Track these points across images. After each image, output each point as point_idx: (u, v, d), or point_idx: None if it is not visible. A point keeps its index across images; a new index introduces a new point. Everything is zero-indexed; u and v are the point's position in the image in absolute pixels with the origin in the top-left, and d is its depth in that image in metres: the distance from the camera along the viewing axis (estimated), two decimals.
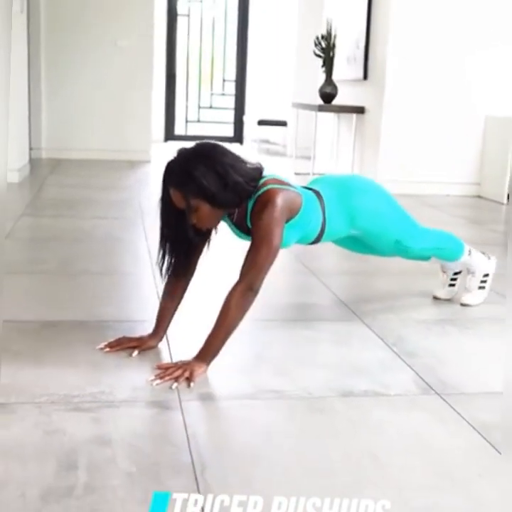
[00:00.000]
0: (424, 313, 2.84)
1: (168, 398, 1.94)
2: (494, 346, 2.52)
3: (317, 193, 2.45)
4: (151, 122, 7.82)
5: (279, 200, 2.18)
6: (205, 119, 10.67)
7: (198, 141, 2.21)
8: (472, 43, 5.99)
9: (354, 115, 6.56)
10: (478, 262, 2.89)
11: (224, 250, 2.70)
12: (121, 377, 2.07)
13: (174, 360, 2.17)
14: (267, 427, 1.83)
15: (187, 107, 10.62)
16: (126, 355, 2.22)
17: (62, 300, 2.81)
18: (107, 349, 2.26)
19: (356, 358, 2.34)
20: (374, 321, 2.70)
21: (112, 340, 2.30)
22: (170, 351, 2.28)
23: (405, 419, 1.92)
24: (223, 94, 10.73)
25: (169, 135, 10.44)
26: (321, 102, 6.76)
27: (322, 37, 6.70)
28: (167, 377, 2.04)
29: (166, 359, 2.22)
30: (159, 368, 2.11)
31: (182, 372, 2.05)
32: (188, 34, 10.47)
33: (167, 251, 2.24)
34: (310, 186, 2.54)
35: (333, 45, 6.63)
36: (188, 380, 2.03)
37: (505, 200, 5.85)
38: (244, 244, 2.26)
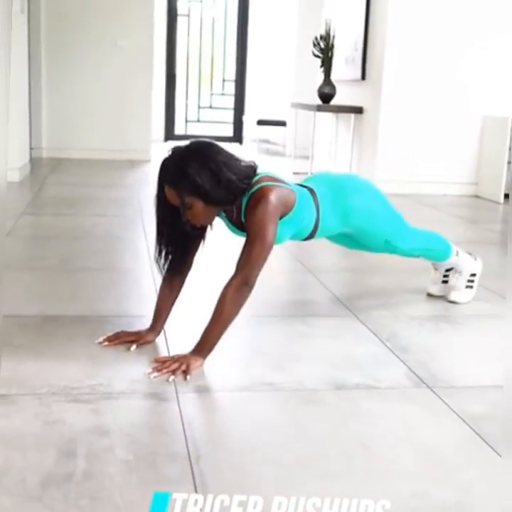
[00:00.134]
0: (418, 309, 2.89)
1: (165, 390, 1.99)
2: (485, 342, 2.57)
3: (311, 191, 2.50)
4: (151, 122, 7.87)
5: (273, 197, 2.23)
6: (205, 118, 10.72)
7: (192, 140, 2.25)
8: (469, 43, 6.04)
9: (352, 115, 6.61)
10: (465, 262, 2.95)
11: (220, 245, 2.74)
12: (120, 370, 2.12)
13: (171, 354, 2.22)
14: (260, 417, 1.89)
15: (187, 106, 10.67)
16: (124, 349, 2.27)
17: (63, 296, 2.86)
18: (106, 343, 2.31)
19: (350, 352, 2.39)
20: (368, 317, 2.74)
21: (110, 334, 2.35)
22: (167, 345, 2.33)
23: (396, 410, 1.97)
24: (223, 94, 10.78)
25: (169, 135, 10.49)
26: (319, 102, 6.81)
27: (321, 37, 6.75)
28: (164, 370, 2.09)
29: (163, 353, 2.28)
30: (157, 361, 2.16)
31: (179, 366, 2.10)
32: (188, 34, 10.52)
33: (163, 247, 2.30)
34: (304, 184, 2.59)
35: (332, 46, 6.68)
36: (185, 373, 2.08)
37: (502, 200, 5.90)
38: (240, 240, 2.32)
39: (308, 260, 3.61)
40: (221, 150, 2.23)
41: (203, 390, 2.02)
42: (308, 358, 2.33)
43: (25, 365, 2.12)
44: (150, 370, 2.10)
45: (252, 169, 2.28)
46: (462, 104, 6.13)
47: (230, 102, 10.76)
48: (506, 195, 5.95)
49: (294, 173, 7.11)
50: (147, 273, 3.18)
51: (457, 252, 2.95)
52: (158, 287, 2.42)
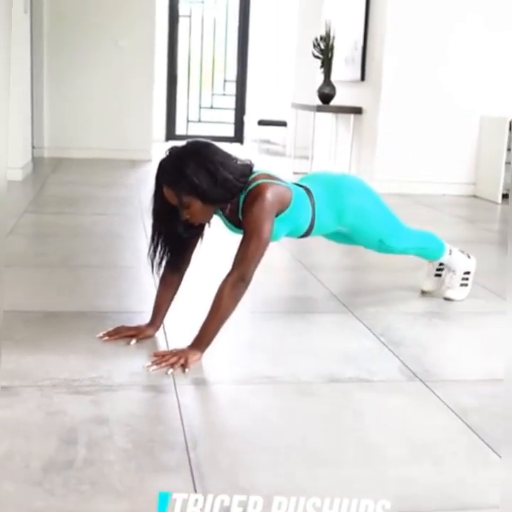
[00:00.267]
0: (412, 306, 2.95)
1: (164, 383, 2.05)
2: (478, 337, 2.63)
3: (307, 190, 2.56)
4: (152, 122, 7.92)
5: (269, 194, 2.28)
6: (206, 119, 10.78)
7: (189, 140, 2.30)
8: (467, 44, 6.09)
9: (352, 115, 6.66)
10: (459, 260, 3.00)
11: (218, 242, 2.79)
12: (119, 363, 2.17)
13: (170, 348, 2.28)
14: (256, 408, 1.94)
15: (188, 106, 10.72)
16: (124, 344, 2.33)
17: (64, 292, 2.92)
18: (106, 338, 2.36)
19: (345, 347, 2.45)
20: (364, 314, 2.80)
21: (110, 329, 2.40)
22: (166, 340, 2.39)
23: (388, 402, 2.02)
24: (224, 95, 10.84)
25: (170, 135, 10.54)
26: (319, 102, 6.86)
27: (321, 38, 6.80)
28: (163, 364, 2.14)
29: (162, 347, 2.33)
30: (156, 355, 2.21)
31: (177, 359, 2.15)
32: (190, 35, 10.58)
33: (160, 246, 2.34)
34: (301, 183, 2.64)
35: (332, 47, 6.73)
36: (183, 366, 2.13)
37: (500, 200, 5.95)
38: (237, 237, 2.37)
39: (306, 259, 3.66)
40: (218, 150, 2.28)
41: (200, 383, 2.08)
42: (304, 352, 2.38)
43: (27, 359, 2.17)
44: (149, 363, 2.15)
45: (248, 168, 2.33)
46: (461, 104, 6.18)
47: (231, 102, 10.82)
48: (504, 195, 6.00)
49: (294, 173, 7.16)
50: (147, 270, 3.20)
51: (450, 250, 3.00)
52: (157, 284, 2.47)
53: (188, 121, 10.73)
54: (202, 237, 2.41)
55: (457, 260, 3.01)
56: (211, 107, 10.82)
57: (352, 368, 2.25)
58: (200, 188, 2.19)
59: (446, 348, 2.52)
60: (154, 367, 2.13)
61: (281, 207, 2.38)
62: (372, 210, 2.72)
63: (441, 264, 3.06)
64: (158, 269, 2.39)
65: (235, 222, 2.42)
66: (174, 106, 10.61)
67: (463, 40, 6.08)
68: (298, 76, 9.14)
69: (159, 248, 2.35)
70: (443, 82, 6.13)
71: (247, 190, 2.30)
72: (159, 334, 2.42)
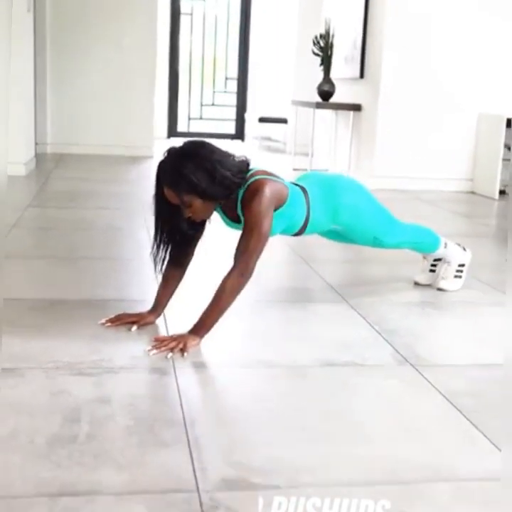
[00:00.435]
0: (406, 296, 3.02)
1: (164, 366, 2.13)
2: (470, 326, 2.71)
3: (303, 189, 2.63)
4: (153, 119, 8.00)
5: (267, 190, 2.36)
6: (208, 116, 10.85)
7: (186, 140, 2.37)
8: (465, 42, 6.17)
9: (351, 112, 6.73)
10: (454, 253, 3.08)
11: (218, 236, 2.86)
12: (121, 347, 2.25)
13: (170, 334, 2.35)
14: (252, 389, 2.02)
15: (190, 104, 10.80)
16: (125, 330, 2.41)
17: (67, 282, 3.00)
18: (108, 324, 2.44)
19: (340, 335, 2.52)
20: (359, 304, 2.87)
21: (112, 316, 2.48)
22: (166, 327, 2.47)
23: (379, 385, 2.10)
24: (225, 92, 10.91)
25: (172, 132, 10.62)
26: (319, 99, 6.93)
27: (321, 36, 6.88)
28: (163, 348, 2.22)
29: (162, 333, 2.40)
30: (156, 340, 2.29)
31: (177, 344, 2.23)
32: (191, 32, 10.65)
33: (163, 243, 2.42)
34: (297, 182, 2.72)
35: (331, 45, 6.81)
36: (182, 350, 2.21)
37: (497, 196, 6.02)
38: (236, 231, 2.44)
39: (305, 252, 3.74)
40: (214, 148, 2.35)
41: (199, 366, 2.15)
42: (300, 339, 2.46)
43: (32, 343, 2.25)
44: (150, 347, 2.23)
45: (245, 164, 2.41)
46: (459, 102, 6.26)
47: (232, 99, 10.89)
48: (501, 192, 6.08)
49: (294, 170, 7.23)
50: (148, 262, 3.27)
51: (446, 244, 3.07)
52: (158, 275, 2.53)
53: (189, 118, 10.81)
54: (203, 232, 2.48)
55: (452, 252, 3.08)
56: (212, 104, 10.89)
57: (346, 353, 2.33)
58: (200, 187, 2.26)
59: (438, 336, 2.60)
60: (154, 351, 2.21)
61: (279, 203, 2.45)
62: (366, 208, 2.79)
63: (435, 259, 3.13)
64: (162, 267, 2.46)
65: (233, 217, 2.50)
66: (176, 103, 10.69)
67: (461, 38, 6.16)
68: (298, 73, 9.21)
69: (162, 246, 2.43)
70: (441, 80, 6.20)
71: (246, 186, 2.38)
72: (159, 321, 2.50)
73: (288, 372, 2.15)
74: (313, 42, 6.92)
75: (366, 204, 2.81)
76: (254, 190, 2.36)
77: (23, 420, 1.76)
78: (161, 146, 8.41)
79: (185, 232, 2.39)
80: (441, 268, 3.11)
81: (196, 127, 10.71)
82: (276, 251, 3.49)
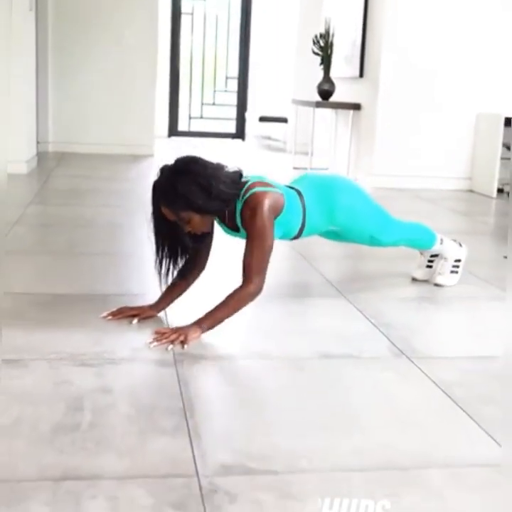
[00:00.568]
0: (403, 291, 3.07)
1: (164, 357, 2.17)
2: (465, 320, 2.75)
3: (298, 192, 2.67)
4: (154, 118, 8.04)
5: (266, 203, 2.41)
6: (208, 115, 10.89)
7: (177, 157, 2.40)
8: (464, 42, 6.21)
9: (351, 111, 6.77)
10: (450, 248, 3.12)
11: (222, 243, 2.90)
12: (122, 339, 2.30)
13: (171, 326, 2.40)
14: (250, 380, 2.07)
15: (190, 103, 10.84)
16: (127, 323, 2.45)
17: (69, 277, 3.04)
18: (110, 317, 2.49)
19: (338, 328, 2.57)
20: (357, 298, 2.91)
21: (114, 309, 2.53)
22: (167, 321, 2.51)
23: (375, 376, 2.14)
24: (226, 91, 10.95)
25: (173, 131, 10.67)
26: (319, 98, 6.98)
27: (321, 36, 6.92)
28: (164, 340, 2.26)
29: (163, 326, 2.44)
30: (157, 332, 2.33)
31: (177, 336, 2.27)
32: (192, 32, 10.70)
33: (166, 258, 2.46)
34: (292, 185, 2.76)
35: (331, 44, 6.85)
36: (183, 343, 2.26)
37: (495, 194, 6.07)
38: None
39: (304, 249, 3.77)
40: (206, 163, 2.38)
41: (199, 358, 2.19)
42: (298, 332, 2.51)
43: (35, 336, 2.30)
44: (150, 340, 2.27)
45: (237, 175, 2.45)
46: (457, 101, 6.30)
47: (233, 98, 10.93)
48: (499, 190, 6.12)
49: (294, 168, 7.28)
50: (148, 258, 3.33)
51: (442, 240, 3.12)
52: (163, 287, 2.56)
53: (190, 117, 10.85)
54: (210, 242, 2.55)
55: (449, 248, 3.12)
56: (213, 104, 10.93)
57: (344, 346, 2.37)
58: (196, 203, 2.31)
59: (434, 330, 2.64)
60: (155, 343, 2.25)
61: (276, 213, 2.49)
62: (362, 208, 2.83)
63: (432, 255, 3.18)
64: (166, 280, 2.50)
65: (232, 227, 2.55)
66: (176, 102, 10.73)
67: (460, 37, 6.20)
68: (298, 73, 9.26)
69: (165, 261, 2.47)
70: (440, 79, 6.24)
71: (244, 199, 2.42)
72: (160, 315, 2.54)
73: (286, 364, 2.20)
74: (313, 41, 6.96)
75: (362, 204, 2.84)
76: (254, 204, 2.40)
77: (26, 409, 1.80)
78: (161, 144, 8.50)
79: (188, 247, 2.45)
80: (438, 264, 3.16)
81: (197, 126, 10.76)
82: (276, 248, 3.46)
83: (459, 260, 3.15)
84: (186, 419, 1.78)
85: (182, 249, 2.45)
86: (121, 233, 4.04)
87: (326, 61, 6.88)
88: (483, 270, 3.45)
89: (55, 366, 2.06)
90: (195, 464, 1.58)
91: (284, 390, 2.02)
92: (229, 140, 10.59)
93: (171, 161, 2.38)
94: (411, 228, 3.08)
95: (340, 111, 7.16)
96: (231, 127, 10.93)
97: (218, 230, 2.60)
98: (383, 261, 3.55)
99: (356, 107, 6.67)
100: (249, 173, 2.54)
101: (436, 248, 3.12)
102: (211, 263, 2.59)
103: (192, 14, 10.63)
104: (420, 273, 3.20)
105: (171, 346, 2.24)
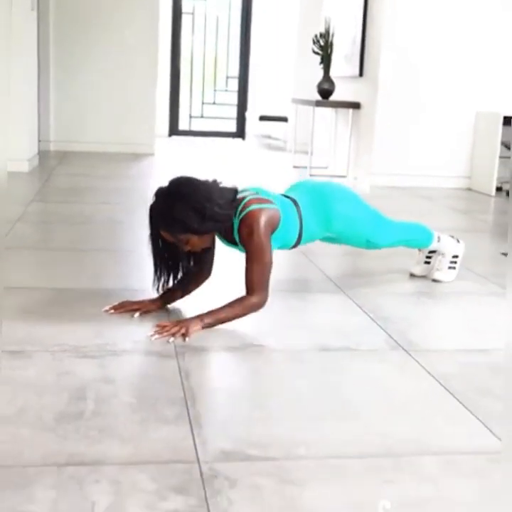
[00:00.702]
0: (402, 287, 3.10)
1: (165, 349, 2.21)
2: (462, 314, 2.79)
3: (294, 202, 2.70)
4: (155, 117, 8.07)
5: (262, 220, 2.45)
6: (209, 114, 10.93)
7: (172, 179, 2.45)
8: (463, 41, 6.25)
9: (350, 110, 6.81)
10: (448, 245, 3.16)
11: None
12: (124, 332, 2.34)
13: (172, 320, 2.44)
14: (250, 371, 2.11)
15: (191, 102, 10.88)
16: (128, 316, 2.49)
17: (70, 272, 3.08)
18: (112, 311, 2.53)
19: (336, 322, 2.60)
20: (356, 293, 2.95)
21: (116, 303, 2.56)
22: (168, 314, 2.55)
23: (372, 368, 2.18)
24: (226, 91, 10.99)
25: (173, 130, 10.70)
26: (319, 97, 7.01)
27: (321, 35, 6.95)
28: (165, 333, 2.30)
29: (164, 320, 2.48)
30: (158, 325, 2.37)
31: (179, 329, 2.31)
32: (193, 32, 10.74)
33: (164, 275, 2.52)
34: (288, 194, 2.80)
35: (331, 43, 6.88)
36: (184, 335, 2.30)
37: (493, 193, 6.11)
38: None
39: (304, 246, 3.80)
40: (199, 185, 2.42)
41: (200, 349, 2.23)
42: (298, 326, 2.54)
43: (38, 329, 2.33)
44: (152, 332, 2.31)
45: (232, 192, 2.49)
46: (456, 100, 6.34)
47: (233, 98, 10.97)
48: (498, 188, 6.16)
49: (294, 167, 7.32)
50: (148, 255, 3.37)
51: (439, 237, 3.15)
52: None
53: (190, 116, 10.89)
54: (212, 256, 2.63)
55: (446, 245, 3.16)
56: (213, 103, 10.98)
57: (341, 339, 2.41)
58: (192, 226, 2.37)
59: (431, 324, 2.68)
60: (157, 336, 2.29)
61: (272, 228, 2.53)
62: (358, 215, 2.85)
63: (430, 252, 3.21)
64: (165, 288, 2.56)
65: (231, 241, 2.59)
66: (177, 102, 10.77)
67: (459, 37, 6.24)
68: (298, 72, 9.29)
69: (163, 277, 2.53)
70: (439, 78, 6.28)
71: (240, 217, 2.46)
72: (162, 310, 2.57)
73: (285, 356, 2.23)
74: (313, 41, 7.00)
75: (357, 210, 2.86)
76: (250, 223, 2.44)
77: (31, 398, 1.84)
78: (162, 144, 8.53)
79: (189, 267, 2.52)
80: (435, 260, 3.19)
81: (197, 126, 10.80)
82: None
83: (456, 256, 3.19)
84: (187, 409, 1.82)
85: (182, 267, 2.53)
86: (122, 230, 4.07)
87: (326, 60, 6.92)
88: (481, 267, 3.49)
89: (58, 358, 2.10)
90: (196, 450, 1.62)
91: (283, 380, 2.05)
92: (229, 139, 10.63)
93: (165, 184, 2.43)
94: (407, 229, 3.10)
95: (339, 110, 7.20)
96: (231, 126, 10.97)
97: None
98: (382, 257, 3.58)
99: (356, 105, 6.71)
100: (245, 187, 2.59)
101: (433, 246, 3.15)
102: (217, 263, 2.64)
103: (193, 14, 10.67)
104: (418, 269, 3.24)
105: (172, 339, 2.28)
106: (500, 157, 6.08)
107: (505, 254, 3.81)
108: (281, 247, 2.71)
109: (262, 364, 2.17)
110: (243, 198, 2.49)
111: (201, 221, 2.37)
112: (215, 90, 10.99)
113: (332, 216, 2.77)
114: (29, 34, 6.01)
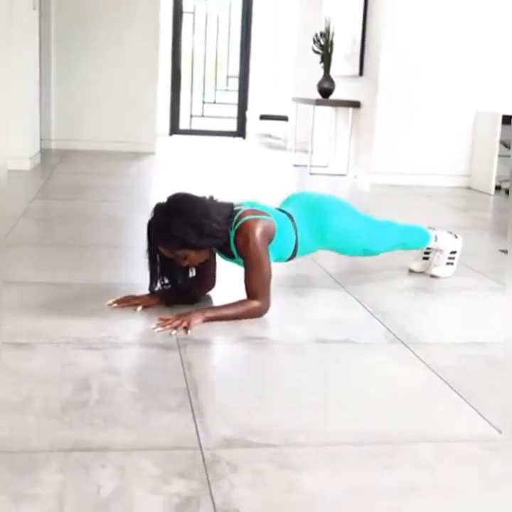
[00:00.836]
0: (400, 283, 3.14)
1: (168, 341, 2.25)
2: (460, 309, 2.83)
3: (289, 216, 2.74)
4: (156, 116, 8.12)
5: (258, 230, 2.50)
6: (209, 114, 10.98)
7: (170, 196, 2.49)
8: (463, 41, 6.29)
9: (350, 109, 6.86)
10: (446, 241, 3.19)
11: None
12: (127, 325, 2.38)
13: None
14: (250, 362, 2.14)
15: (192, 102, 10.93)
16: (131, 310, 2.53)
17: (72, 267, 3.12)
18: (115, 305, 2.57)
19: (336, 316, 2.64)
20: (355, 289, 2.99)
21: (119, 297, 2.60)
22: (170, 309, 2.58)
23: (370, 360, 2.22)
24: (227, 90, 11.04)
25: (174, 129, 10.75)
26: (319, 96, 7.05)
27: (321, 35, 6.99)
28: (167, 326, 2.34)
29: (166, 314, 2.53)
30: (161, 318, 2.41)
31: (181, 322, 2.36)
32: (193, 31, 10.78)
33: (161, 285, 2.59)
34: (283, 207, 2.83)
35: (331, 43, 6.92)
36: (186, 329, 2.34)
37: (493, 191, 6.15)
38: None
39: (301, 257, 3.85)
40: (197, 201, 2.47)
41: (201, 342, 2.27)
42: (298, 320, 2.58)
43: (42, 322, 2.38)
44: (154, 325, 2.35)
45: (229, 208, 2.54)
46: (456, 99, 6.38)
47: (234, 97, 11.02)
48: (497, 187, 6.21)
49: (295, 166, 7.36)
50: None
51: (436, 237, 3.18)
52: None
53: (191, 116, 10.94)
54: (214, 267, 2.69)
55: (444, 242, 3.19)
56: (214, 102, 11.02)
57: (340, 333, 2.45)
58: (190, 242, 2.42)
59: (429, 318, 2.72)
60: (159, 329, 2.33)
61: (268, 239, 2.57)
62: (353, 226, 2.87)
63: (429, 248, 3.25)
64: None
65: (229, 254, 2.63)
66: (178, 101, 10.82)
67: (458, 36, 6.28)
68: (298, 71, 9.34)
69: (160, 290, 2.60)
70: (439, 78, 6.33)
71: (236, 228, 2.51)
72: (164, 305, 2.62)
73: (286, 348, 2.27)
74: (314, 40, 7.04)
75: (352, 222, 2.87)
76: (245, 233, 2.49)
77: (36, 388, 1.88)
78: (163, 143, 8.56)
79: (186, 281, 2.59)
80: (434, 256, 3.23)
81: (198, 125, 10.85)
82: None
83: (454, 252, 3.23)
84: (190, 398, 1.86)
85: (179, 282, 2.58)
86: (122, 226, 4.11)
87: (326, 59, 6.96)
88: (479, 263, 3.53)
89: (62, 349, 2.14)
90: (198, 437, 1.66)
91: (283, 372, 2.09)
92: (230, 138, 10.67)
93: (163, 200, 2.48)
94: (403, 232, 3.11)
95: (339, 109, 7.24)
96: (232, 125, 11.01)
97: None
98: (381, 254, 3.62)
99: (356, 104, 6.75)
100: (241, 200, 2.64)
101: (431, 245, 3.18)
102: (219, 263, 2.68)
103: (193, 13, 10.71)
104: (417, 265, 3.28)
105: (174, 331, 2.32)
106: (500, 156, 6.13)
107: (504, 252, 3.85)
108: (277, 260, 2.74)
109: (263, 356, 2.21)
110: (238, 210, 2.54)
111: (199, 237, 2.42)
112: (215, 89, 11.04)
113: (327, 230, 2.80)
114: (31, 33, 6.05)
